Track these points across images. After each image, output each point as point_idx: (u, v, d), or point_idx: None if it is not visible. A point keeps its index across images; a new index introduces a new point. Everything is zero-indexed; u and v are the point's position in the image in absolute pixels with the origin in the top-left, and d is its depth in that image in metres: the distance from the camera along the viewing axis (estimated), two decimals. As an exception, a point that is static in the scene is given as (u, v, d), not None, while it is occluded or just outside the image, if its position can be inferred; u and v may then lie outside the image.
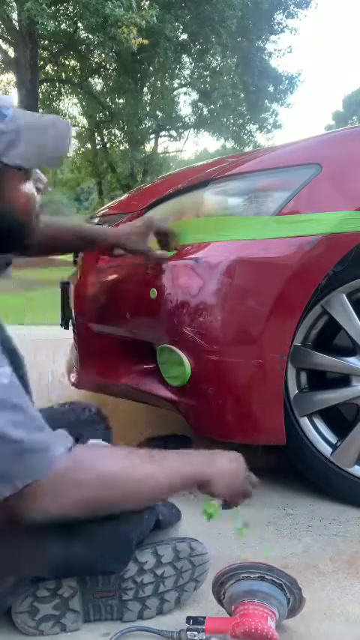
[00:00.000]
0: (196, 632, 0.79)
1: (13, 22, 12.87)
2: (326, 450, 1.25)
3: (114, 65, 14.37)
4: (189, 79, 17.49)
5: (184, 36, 14.75)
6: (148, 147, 20.33)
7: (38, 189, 0.89)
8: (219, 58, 16.16)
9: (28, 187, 0.85)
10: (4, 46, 14.01)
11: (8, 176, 0.80)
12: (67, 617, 0.86)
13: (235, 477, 0.91)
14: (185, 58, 16.45)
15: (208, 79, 16.68)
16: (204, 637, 0.78)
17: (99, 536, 0.81)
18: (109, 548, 0.83)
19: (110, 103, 17.39)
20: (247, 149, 16.73)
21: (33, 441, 0.67)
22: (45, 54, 14.82)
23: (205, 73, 16.73)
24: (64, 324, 1.78)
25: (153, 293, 1.19)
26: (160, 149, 21.78)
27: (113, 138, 19.61)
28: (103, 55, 13.11)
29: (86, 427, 1.12)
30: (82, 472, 0.73)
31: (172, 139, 21.33)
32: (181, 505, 1.18)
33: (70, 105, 18.54)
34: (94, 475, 0.73)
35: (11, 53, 13.76)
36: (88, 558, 0.82)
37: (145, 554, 0.89)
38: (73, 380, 1.54)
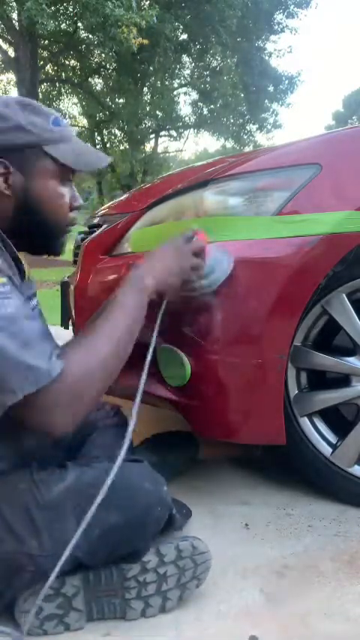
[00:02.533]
0: None
1: (13, 21, 12.85)
2: (326, 450, 1.25)
3: (114, 65, 14.34)
4: (189, 79, 17.48)
5: (184, 36, 14.74)
6: (148, 147, 20.33)
7: (74, 208, 0.94)
8: (219, 58, 16.15)
9: (62, 190, 0.91)
10: (4, 46, 14.00)
11: (46, 167, 0.87)
12: (70, 616, 0.86)
13: (163, 267, 0.95)
14: (185, 58, 16.44)
15: (208, 79, 16.68)
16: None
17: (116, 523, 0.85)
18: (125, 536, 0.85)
19: (110, 103, 17.38)
20: (247, 149, 16.73)
21: (30, 357, 0.73)
22: (45, 54, 14.81)
23: (205, 73, 16.72)
24: (64, 324, 1.78)
25: (153, 293, 1.19)
26: (160, 149, 21.80)
27: (113, 138, 19.61)
28: (103, 55, 13.09)
29: (101, 421, 1.18)
30: (79, 378, 0.78)
31: (172, 139, 21.34)
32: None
33: (70, 105, 18.56)
34: (87, 373, 0.79)
35: (11, 53, 13.75)
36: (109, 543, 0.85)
37: (148, 553, 0.90)
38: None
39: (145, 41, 10.97)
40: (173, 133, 20.02)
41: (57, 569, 0.77)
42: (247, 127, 18.97)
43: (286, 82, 17.28)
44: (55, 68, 15.72)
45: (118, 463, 0.82)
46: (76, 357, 0.79)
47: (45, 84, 16.08)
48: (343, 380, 1.25)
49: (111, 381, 0.84)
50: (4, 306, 0.74)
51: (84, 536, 0.82)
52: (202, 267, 1.02)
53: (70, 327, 1.68)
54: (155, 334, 0.97)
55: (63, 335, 1.95)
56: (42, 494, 0.83)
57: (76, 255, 1.69)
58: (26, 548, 0.81)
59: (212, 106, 17.39)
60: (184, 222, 1.25)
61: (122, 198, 1.87)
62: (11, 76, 14.59)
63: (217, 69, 16.27)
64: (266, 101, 17.96)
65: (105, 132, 19.09)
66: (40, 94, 15.04)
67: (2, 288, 0.76)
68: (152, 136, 19.88)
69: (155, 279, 0.93)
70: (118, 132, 19.07)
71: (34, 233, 0.91)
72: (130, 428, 0.86)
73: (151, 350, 0.94)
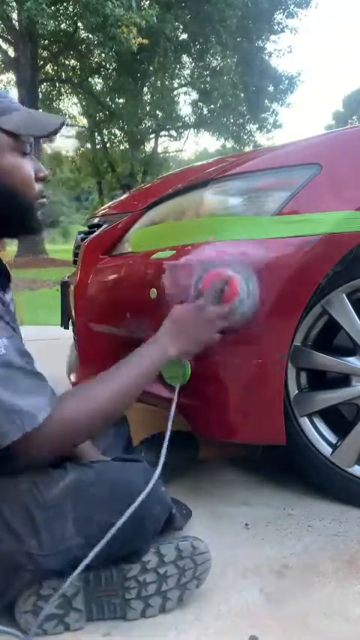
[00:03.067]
0: None
1: (13, 21, 12.87)
2: (326, 450, 1.25)
3: (114, 65, 14.35)
4: (189, 79, 17.50)
5: (184, 36, 14.75)
6: (148, 147, 20.34)
7: (40, 179, 0.90)
8: (219, 58, 16.16)
9: (21, 161, 0.86)
10: (4, 46, 14.02)
11: (1, 140, 0.83)
12: (70, 616, 0.86)
13: (188, 338, 0.97)
14: (185, 58, 16.46)
15: (208, 79, 16.69)
16: None
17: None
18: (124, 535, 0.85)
19: (110, 103, 17.39)
20: (247, 149, 16.73)
21: (20, 403, 0.75)
22: (45, 54, 14.82)
23: (205, 73, 16.73)
24: (64, 324, 1.78)
25: (153, 293, 1.19)
26: (160, 149, 21.80)
27: (113, 138, 19.62)
28: (103, 55, 13.08)
29: None
30: (72, 424, 0.81)
31: (172, 139, 21.35)
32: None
33: (70, 105, 18.55)
34: (79, 420, 0.82)
35: (11, 53, 13.77)
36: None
37: (148, 553, 0.90)
38: (73, 380, 1.54)
39: (145, 41, 10.98)
40: (173, 133, 20.03)
41: (66, 584, 0.79)
42: (247, 127, 18.99)
43: (286, 82, 17.30)
44: (55, 68, 15.73)
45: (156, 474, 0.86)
46: (72, 405, 0.82)
47: (45, 84, 16.08)
48: (343, 380, 1.25)
49: (103, 428, 0.89)
50: None
51: (84, 536, 0.82)
52: (227, 328, 1.01)
53: (70, 327, 1.68)
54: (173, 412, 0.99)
55: (63, 335, 1.95)
56: (42, 494, 0.83)
57: (76, 255, 1.69)
58: (25, 547, 0.81)
59: (212, 106, 17.41)
60: (184, 222, 1.25)
61: (122, 198, 1.87)
62: (11, 76, 14.59)
63: (217, 69, 16.28)
64: (266, 101, 17.97)
65: (105, 132, 19.10)
66: (40, 94, 15.04)
67: None
68: (152, 136, 19.90)
69: (179, 350, 0.95)
70: (118, 132, 19.09)
71: (5, 212, 0.87)
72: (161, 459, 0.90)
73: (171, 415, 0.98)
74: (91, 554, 0.79)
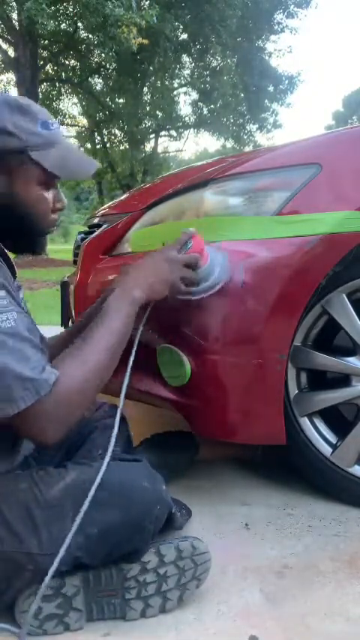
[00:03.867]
0: None
1: (13, 21, 12.86)
2: (326, 450, 1.25)
3: (114, 65, 14.34)
4: (189, 79, 17.49)
5: (184, 36, 14.74)
6: (148, 147, 20.34)
7: (57, 209, 0.94)
8: (219, 58, 16.15)
9: (46, 194, 0.90)
10: (4, 46, 14.02)
11: (31, 173, 0.87)
12: (70, 616, 0.86)
13: (152, 276, 0.96)
14: (185, 58, 16.45)
15: (208, 79, 16.67)
16: None
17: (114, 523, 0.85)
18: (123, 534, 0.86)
19: (110, 103, 17.39)
20: (247, 149, 16.73)
21: (29, 370, 0.76)
22: (45, 54, 14.82)
23: (205, 73, 16.72)
24: (64, 324, 1.78)
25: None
26: (160, 149, 21.80)
27: (113, 138, 19.62)
28: (103, 55, 13.08)
29: (101, 420, 1.20)
30: (72, 390, 0.81)
31: (172, 139, 21.35)
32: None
33: (70, 105, 18.60)
34: (80, 385, 0.82)
35: (11, 53, 13.76)
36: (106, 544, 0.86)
37: (148, 553, 0.90)
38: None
39: (145, 41, 10.98)
40: (173, 133, 20.02)
41: (54, 567, 0.78)
42: (247, 127, 18.98)
43: (286, 82, 17.29)
44: (55, 68, 15.73)
45: (106, 460, 0.85)
46: (68, 369, 0.81)
47: (45, 84, 16.08)
48: (343, 380, 1.25)
49: (100, 388, 0.86)
50: (4, 321, 0.76)
51: (83, 536, 0.82)
52: (193, 279, 1.02)
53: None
54: (138, 336, 0.98)
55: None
56: (42, 494, 0.84)
57: (76, 255, 1.69)
58: (25, 547, 0.81)
59: (212, 106, 17.39)
60: (184, 222, 1.25)
61: (122, 198, 1.87)
62: (11, 76, 14.59)
63: (217, 69, 16.26)
64: (266, 101, 17.96)
65: (105, 132, 19.10)
66: (40, 94, 15.04)
67: (3, 302, 0.78)
68: (152, 136, 19.89)
69: (143, 292, 0.94)
70: (118, 132, 19.09)
71: (17, 234, 0.91)
72: (116, 424, 0.89)
73: (134, 351, 0.96)
74: (56, 562, 0.79)
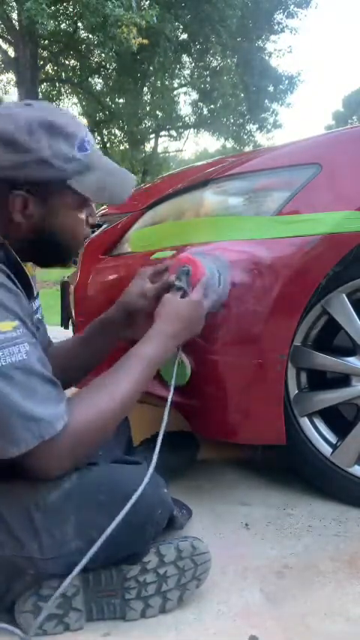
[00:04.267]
0: None
1: (13, 21, 12.85)
2: (326, 450, 1.25)
3: (114, 65, 14.32)
4: (189, 79, 17.46)
5: (184, 36, 14.72)
6: (148, 147, 20.33)
7: (89, 224, 0.94)
8: (219, 58, 16.12)
9: (81, 216, 0.90)
10: (4, 46, 14.00)
11: (68, 200, 0.86)
12: (70, 616, 0.86)
13: (182, 336, 0.96)
14: (185, 58, 16.41)
15: (208, 79, 16.65)
16: None
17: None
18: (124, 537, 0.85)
19: (110, 103, 17.37)
20: (247, 149, 16.72)
21: (36, 408, 0.74)
22: (45, 54, 14.80)
23: (205, 73, 16.70)
24: (64, 324, 1.78)
25: (153, 293, 1.19)
26: (160, 149, 21.78)
27: (113, 138, 19.60)
28: (103, 55, 13.06)
29: None
30: (83, 432, 0.80)
31: (172, 139, 21.32)
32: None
33: (70, 105, 18.53)
34: (88, 431, 0.81)
35: (11, 53, 13.75)
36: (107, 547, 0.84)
37: (148, 553, 0.89)
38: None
39: (145, 41, 10.96)
40: (173, 133, 20.00)
41: (60, 590, 0.77)
42: (247, 127, 18.95)
43: (286, 82, 17.26)
44: (55, 68, 15.71)
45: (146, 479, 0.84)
46: (82, 410, 0.81)
47: (45, 84, 16.07)
48: (343, 380, 1.25)
49: (109, 435, 0.86)
50: (16, 353, 0.74)
51: (83, 540, 0.82)
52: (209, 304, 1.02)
53: (70, 327, 1.68)
54: (173, 389, 0.98)
55: (63, 335, 1.95)
56: (42, 497, 0.83)
57: (76, 255, 1.68)
58: (26, 551, 0.81)
59: (212, 106, 17.37)
60: (184, 222, 1.25)
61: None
62: (11, 76, 14.58)
63: (217, 69, 16.24)
64: (266, 101, 17.93)
65: (105, 132, 19.08)
66: (40, 94, 15.03)
67: (15, 333, 0.75)
68: (152, 136, 19.88)
69: (180, 341, 0.95)
70: (118, 132, 19.07)
71: (49, 254, 0.92)
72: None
73: (170, 401, 0.96)
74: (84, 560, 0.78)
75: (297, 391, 1.25)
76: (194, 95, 17.98)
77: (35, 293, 0.97)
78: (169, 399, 0.94)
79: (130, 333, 1.08)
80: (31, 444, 0.74)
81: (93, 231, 1.57)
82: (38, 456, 0.76)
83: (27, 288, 0.89)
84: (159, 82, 16.19)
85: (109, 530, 0.77)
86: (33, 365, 0.76)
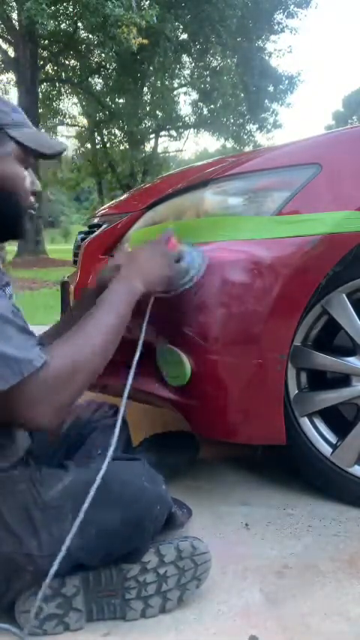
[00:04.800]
0: None
1: (13, 21, 12.86)
2: (326, 450, 1.25)
3: (114, 65, 14.34)
4: (189, 79, 17.48)
5: (184, 36, 14.72)
6: (148, 147, 20.33)
7: (34, 191, 0.95)
8: (219, 58, 16.15)
9: (24, 172, 0.91)
10: (4, 46, 14.01)
11: (9, 148, 0.88)
12: (70, 616, 0.86)
13: (150, 270, 0.97)
14: (185, 58, 16.43)
15: (208, 79, 16.67)
16: None
17: (114, 525, 0.85)
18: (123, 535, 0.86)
19: (110, 103, 17.38)
20: (247, 149, 16.72)
21: (14, 350, 0.74)
22: (45, 54, 14.81)
23: (205, 73, 16.71)
24: (64, 324, 1.78)
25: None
26: (160, 149, 21.78)
27: (113, 138, 19.61)
28: (103, 55, 13.08)
29: (100, 420, 1.20)
30: (62, 372, 0.79)
31: (172, 139, 21.33)
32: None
33: (70, 105, 18.57)
34: (70, 367, 0.80)
35: (11, 53, 13.76)
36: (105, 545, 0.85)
37: (148, 553, 0.89)
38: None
39: (145, 41, 10.97)
40: (173, 133, 20.01)
41: (54, 569, 0.78)
42: (247, 127, 18.96)
43: (286, 82, 17.27)
44: (55, 68, 15.72)
45: (107, 460, 0.84)
46: (60, 351, 0.80)
47: (45, 84, 16.08)
48: (343, 380, 1.25)
49: (94, 376, 0.84)
50: None
51: (82, 537, 0.82)
52: (182, 270, 1.04)
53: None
54: (143, 332, 0.99)
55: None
56: (41, 495, 0.83)
57: (76, 255, 1.69)
58: (25, 548, 0.81)
59: (212, 106, 17.39)
60: (185, 222, 1.25)
61: (122, 198, 1.87)
62: (11, 76, 14.58)
63: (217, 69, 16.26)
64: (266, 101, 17.94)
65: (105, 132, 19.09)
66: (40, 94, 15.04)
67: None
68: (152, 136, 19.88)
69: (144, 282, 0.94)
70: (118, 132, 19.08)
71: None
72: (119, 423, 0.89)
73: (139, 346, 0.96)
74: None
75: (297, 391, 1.25)
76: (194, 95, 18.00)
77: (4, 282, 0.97)
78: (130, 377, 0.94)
79: None
80: (12, 380, 0.73)
81: (93, 232, 1.57)
82: (22, 398, 0.75)
83: None
84: (159, 82, 16.20)
85: (68, 539, 0.78)
86: (7, 314, 0.77)
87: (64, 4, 12.43)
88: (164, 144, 23.12)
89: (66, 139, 19.84)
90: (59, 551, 0.80)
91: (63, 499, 0.84)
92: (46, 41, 14.00)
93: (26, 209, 0.94)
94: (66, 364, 0.79)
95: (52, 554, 0.80)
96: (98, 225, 1.57)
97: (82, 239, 1.64)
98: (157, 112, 17.62)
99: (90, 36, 13.16)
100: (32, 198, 0.95)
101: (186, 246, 1.08)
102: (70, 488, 0.85)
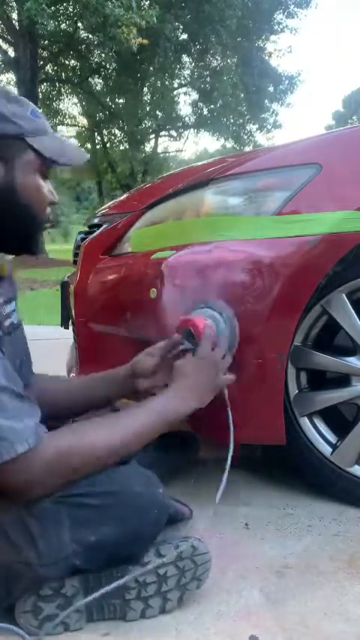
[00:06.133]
0: None
1: (13, 22, 12.86)
2: (326, 450, 1.25)
3: (114, 65, 14.35)
4: (189, 79, 17.48)
5: (184, 36, 14.73)
6: (148, 147, 20.34)
7: (51, 202, 0.92)
8: (219, 58, 16.15)
9: (42, 182, 0.88)
10: (4, 46, 14.02)
11: (29, 158, 0.85)
12: (70, 616, 0.86)
13: (198, 392, 0.97)
14: (185, 58, 16.44)
15: (208, 79, 16.67)
16: None
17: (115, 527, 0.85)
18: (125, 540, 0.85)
19: (110, 103, 17.40)
20: (247, 149, 16.72)
21: (8, 427, 0.74)
22: (45, 54, 14.81)
23: (205, 73, 16.72)
24: (64, 324, 1.78)
25: (153, 293, 1.19)
26: (160, 149, 21.82)
27: (113, 138, 19.63)
28: (103, 55, 13.10)
29: None
30: (65, 461, 0.80)
31: (172, 139, 21.36)
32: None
33: (70, 105, 18.60)
34: (75, 461, 0.80)
35: (11, 53, 13.76)
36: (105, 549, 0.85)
37: (148, 553, 0.89)
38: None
39: (145, 41, 10.97)
40: (173, 133, 20.03)
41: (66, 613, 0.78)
42: (247, 127, 18.97)
43: (286, 82, 17.29)
44: (55, 68, 15.73)
45: None
46: (65, 442, 0.80)
47: (45, 84, 16.08)
48: (343, 380, 1.25)
49: (90, 473, 0.84)
50: None
51: (81, 544, 0.82)
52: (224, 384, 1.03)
53: (70, 327, 1.68)
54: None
55: (63, 335, 1.95)
56: (35, 504, 0.82)
57: (76, 255, 1.69)
58: (24, 557, 0.81)
59: (212, 106, 17.39)
60: (184, 222, 1.25)
61: (122, 198, 1.87)
62: (11, 76, 14.58)
63: (217, 69, 16.27)
64: (266, 101, 17.95)
65: (105, 132, 19.10)
66: (40, 94, 15.04)
67: None
68: (152, 136, 19.89)
69: (199, 400, 0.97)
70: (118, 132, 19.10)
71: (13, 228, 0.88)
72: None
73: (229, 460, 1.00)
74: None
75: (297, 391, 1.25)
76: (194, 95, 18.01)
77: (10, 296, 0.94)
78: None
79: (130, 391, 1.10)
80: (7, 457, 0.73)
81: (93, 232, 1.57)
82: (10, 472, 0.75)
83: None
84: (159, 82, 16.22)
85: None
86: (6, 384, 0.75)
87: (64, 4, 12.44)
88: (164, 144, 23.16)
89: (66, 139, 19.81)
90: (58, 559, 0.79)
91: (58, 507, 0.82)
92: (46, 41, 14.00)
93: (42, 223, 0.91)
94: (67, 458, 0.80)
95: (52, 563, 0.80)
96: (98, 225, 1.57)
97: (82, 239, 1.63)
98: (157, 112, 17.63)
99: (90, 36, 13.16)
100: (48, 209, 0.92)
101: (213, 323, 1.04)
102: (64, 496, 0.83)
